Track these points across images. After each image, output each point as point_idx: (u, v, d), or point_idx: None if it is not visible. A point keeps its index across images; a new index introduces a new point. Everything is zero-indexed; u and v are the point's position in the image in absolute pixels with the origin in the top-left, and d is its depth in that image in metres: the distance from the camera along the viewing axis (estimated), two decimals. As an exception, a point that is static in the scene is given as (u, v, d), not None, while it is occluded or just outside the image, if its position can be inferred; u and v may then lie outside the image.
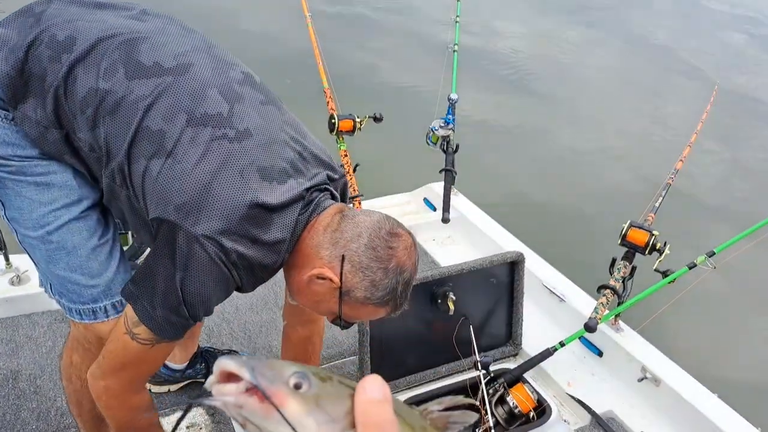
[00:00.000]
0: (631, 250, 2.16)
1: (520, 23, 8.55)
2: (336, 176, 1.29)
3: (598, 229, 4.04)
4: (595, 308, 2.02)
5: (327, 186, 1.26)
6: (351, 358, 2.12)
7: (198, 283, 1.12)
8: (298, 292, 1.26)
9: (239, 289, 1.24)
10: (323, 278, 1.18)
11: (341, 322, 1.26)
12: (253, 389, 0.44)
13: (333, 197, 1.27)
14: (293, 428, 0.42)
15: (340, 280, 1.17)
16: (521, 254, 2.08)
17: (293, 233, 1.19)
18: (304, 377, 0.45)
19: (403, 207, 3.03)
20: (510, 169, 4.91)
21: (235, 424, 1.73)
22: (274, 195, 1.15)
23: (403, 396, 1.95)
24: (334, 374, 0.46)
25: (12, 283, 2.16)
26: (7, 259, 2.16)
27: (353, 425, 0.43)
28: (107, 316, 1.34)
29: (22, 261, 2.16)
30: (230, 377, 0.45)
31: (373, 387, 0.43)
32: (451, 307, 1.94)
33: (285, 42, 5.71)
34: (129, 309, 1.19)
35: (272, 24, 6.42)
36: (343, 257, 1.16)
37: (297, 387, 0.44)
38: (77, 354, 1.41)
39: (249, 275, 1.19)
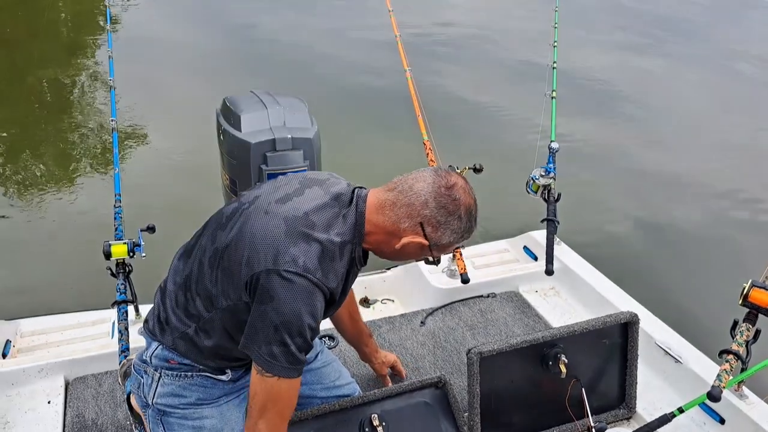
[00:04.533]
0: (754, 311, 2.05)
1: (604, 45, 8.22)
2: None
3: (713, 280, 3.77)
4: (718, 375, 1.91)
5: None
6: None
7: (286, 304, 1.29)
8: (394, 256, 1.49)
9: (332, 298, 1.40)
10: (413, 243, 1.41)
11: (434, 261, 1.49)
12: None
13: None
14: None
15: (427, 239, 1.40)
16: (635, 315, 2.02)
17: (354, 227, 1.41)
18: None
19: (503, 255, 3.01)
20: (608, 210, 4.70)
21: None
22: (301, 204, 1.38)
23: (514, 458, 1.92)
24: None
25: (141, 333, 2.32)
26: (137, 310, 2.33)
27: None
28: None
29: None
30: None
31: None
32: (564, 370, 1.91)
33: (382, 89, 5.82)
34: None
35: (371, 73, 6.53)
36: (422, 224, 1.39)
37: None
38: None
39: (326, 271, 1.35)
